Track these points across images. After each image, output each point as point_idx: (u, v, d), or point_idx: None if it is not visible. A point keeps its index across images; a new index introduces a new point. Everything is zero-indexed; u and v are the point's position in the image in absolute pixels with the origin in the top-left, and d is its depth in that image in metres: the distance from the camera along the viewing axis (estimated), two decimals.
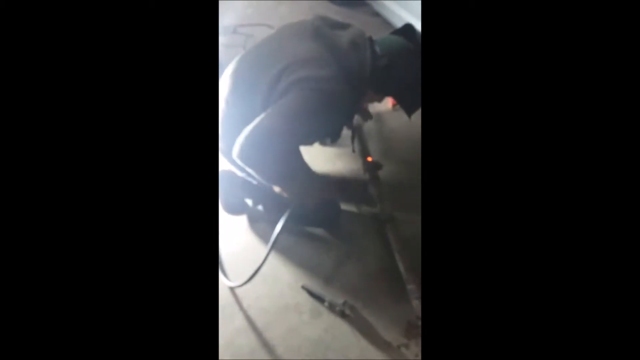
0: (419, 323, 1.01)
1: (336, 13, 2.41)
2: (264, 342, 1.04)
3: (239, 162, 0.97)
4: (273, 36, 1.13)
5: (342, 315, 1.06)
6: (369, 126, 1.57)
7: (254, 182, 1.14)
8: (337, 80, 0.97)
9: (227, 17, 2.34)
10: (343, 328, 1.05)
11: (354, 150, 1.42)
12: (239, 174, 1.20)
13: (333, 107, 0.97)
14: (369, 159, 1.36)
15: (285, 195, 1.09)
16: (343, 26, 1.07)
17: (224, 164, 1.15)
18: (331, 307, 1.07)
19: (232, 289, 1.13)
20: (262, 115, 0.94)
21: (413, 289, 1.04)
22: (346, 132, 1.43)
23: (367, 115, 1.38)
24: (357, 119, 1.40)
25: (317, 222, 1.24)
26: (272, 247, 1.07)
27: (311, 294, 1.11)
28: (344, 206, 1.28)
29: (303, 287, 1.12)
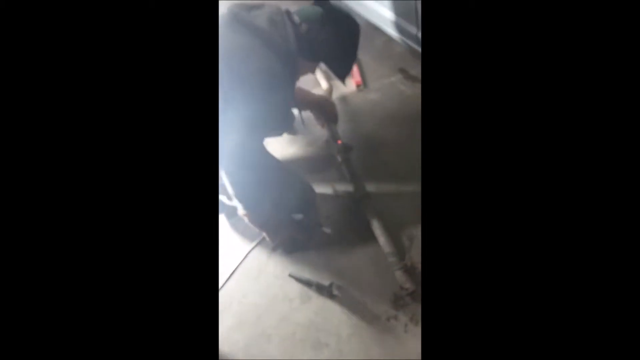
0: (404, 294, 1.05)
1: None
2: (258, 333, 1.06)
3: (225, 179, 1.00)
4: None
5: (331, 296, 1.09)
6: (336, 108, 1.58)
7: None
8: (269, 60, 0.99)
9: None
10: (333, 308, 1.08)
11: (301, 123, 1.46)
12: None
13: (275, 88, 1.00)
14: (339, 142, 1.38)
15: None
16: (258, 6, 1.09)
17: None
18: (319, 290, 1.10)
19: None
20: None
21: (394, 261, 1.08)
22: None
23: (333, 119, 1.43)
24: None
25: (294, 208, 1.25)
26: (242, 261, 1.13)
27: (298, 280, 1.13)
28: (320, 190, 1.30)
29: (290, 275, 1.14)
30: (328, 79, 1.65)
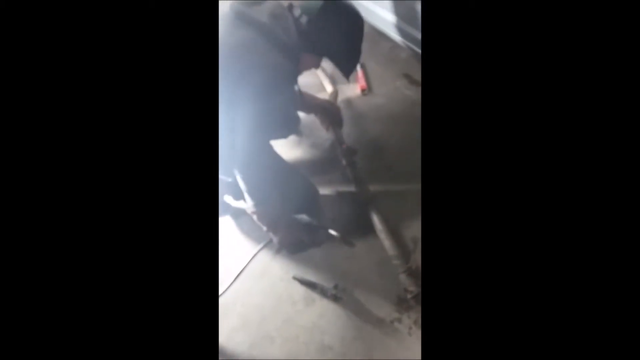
0: (409, 296, 1.04)
1: None
2: (262, 335, 1.06)
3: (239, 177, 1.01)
4: None
5: (335, 299, 1.08)
6: (342, 112, 1.59)
7: (229, 180, 1.15)
8: (272, 55, 1.00)
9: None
10: (337, 311, 1.07)
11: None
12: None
13: (279, 84, 1.01)
14: (344, 145, 1.38)
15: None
16: (259, 2, 1.10)
17: None
18: (323, 293, 1.10)
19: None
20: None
21: (398, 264, 1.08)
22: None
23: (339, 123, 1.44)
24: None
25: (299, 209, 1.26)
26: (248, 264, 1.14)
27: (302, 282, 1.13)
28: (325, 192, 1.30)
29: (294, 278, 1.14)
30: (333, 83, 1.66)
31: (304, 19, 1.05)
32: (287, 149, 1.48)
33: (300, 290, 1.13)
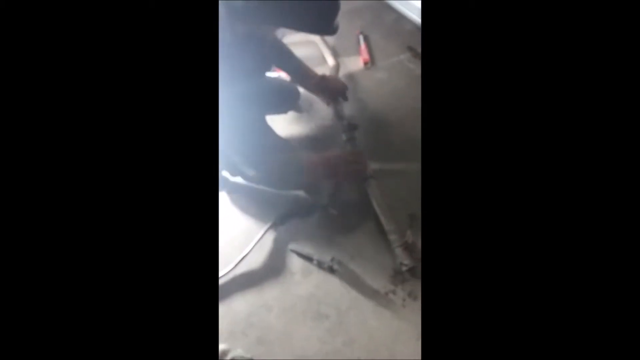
0: (404, 269, 1.06)
1: None
2: (260, 304, 1.09)
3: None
4: None
5: (331, 271, 1.11)
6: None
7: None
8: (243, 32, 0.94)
9: None
10: (333, 282, 1.10)
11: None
12: None
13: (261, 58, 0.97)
14: (344, 121, 1.37)
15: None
16: None
17: None
18: (320, 265, 1.12)
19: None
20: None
21: (394, 238, 1.09)
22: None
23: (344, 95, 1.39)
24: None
25: (293, 184, 1.27)
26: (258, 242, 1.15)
27: (300, 255, 1.16)
28: None
29: (291, 250, 1.17)
30: (335, 55, 1.63)
31: None
32: (286, 124, 1.48)
33: (298, 262, 1.15)
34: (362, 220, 1.20)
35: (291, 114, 1.50)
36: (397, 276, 1.08)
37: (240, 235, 1.21)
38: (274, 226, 1.20)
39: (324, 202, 1.23)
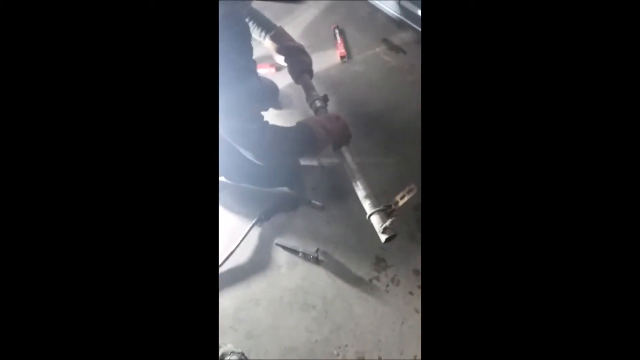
0: (384, 255, 1.09)
1: None
2: (247, 299, 1.11)
3: None
4: None
5: (316, 262, 1.13)
6: (321, 81, 1.59)
7: None
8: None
9: None
10: (319, 273, 1.12)
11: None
12: None
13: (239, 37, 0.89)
14: (314, 93, 1.33)
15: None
16: None
17: None
18: (305, 257, 1.14)
19: None
20: None
21: (371, 203, 1.05)
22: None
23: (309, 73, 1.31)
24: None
25: (280, 182, 1.28)
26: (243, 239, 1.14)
27: (285, 248, 1.17)
28: (304, 162, 1.32)
29: (277, 244, 1.18)
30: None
31: None
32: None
33: (284, 255, 1.17)
34: (344, 210, 1.23)
35: (271, 111, 1.51)
36: (380, 263, 1.10)
37: (226, 233, 1.22)
38: (258, 222, 1.21)
39: (308, 195, 1.25)
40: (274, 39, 1.22)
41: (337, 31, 1.74)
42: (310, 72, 1.32)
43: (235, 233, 1.19)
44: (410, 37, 1.71)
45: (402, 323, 1.02)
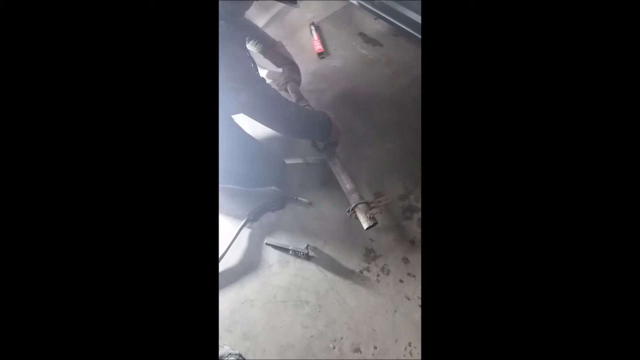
0: (373, 246, 1.11)
1: None
2: (241, 301, 1.11)
3: None
4: None
5: (307, 258, 1.14)
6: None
7: None
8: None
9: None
10: (310, 269, 1.13)
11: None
12: None
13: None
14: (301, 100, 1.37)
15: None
16: None
17: None
18: (296, 254, 1.15)
19: None
20: None
21: (355, 197, 1.10)
22: None
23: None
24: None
25: (267, 181, 1.29)
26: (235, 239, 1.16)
27: (276, 247, 1.18)
28: (290, 160, 1.33)
29: (267, 244, 1.19)
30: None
31: None
32: (254, 122, 1.48)
33: (275, 254, 1.18)
34: (331, 205, 1.24)
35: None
36: (369, 254, 1.12)
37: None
38: (247, 223, 1.21)
39: (295, 193, 1.26)
40: (274, 51, 1.37)
41: (312, 28, 1.75)
42: (299, 83, 1.42)
43: (224, 235, 1.19)
44: (385, 29, 1.72)
45: (395, 311, 1.04)
